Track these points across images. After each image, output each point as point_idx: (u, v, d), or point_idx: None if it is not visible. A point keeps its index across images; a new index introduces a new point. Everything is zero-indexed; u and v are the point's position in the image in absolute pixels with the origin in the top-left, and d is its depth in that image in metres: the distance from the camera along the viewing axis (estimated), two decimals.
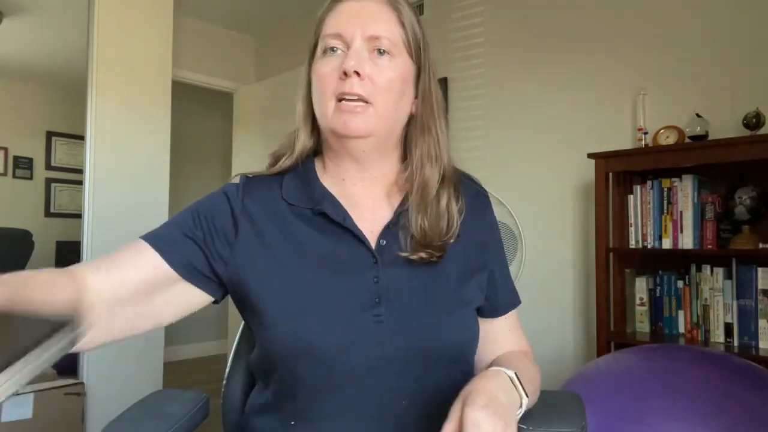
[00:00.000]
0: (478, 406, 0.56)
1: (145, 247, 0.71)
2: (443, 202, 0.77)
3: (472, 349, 0.80)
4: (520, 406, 0.64)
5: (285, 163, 0.80)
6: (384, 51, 0.72)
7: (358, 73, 0.70)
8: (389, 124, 0.74)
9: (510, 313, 0.84)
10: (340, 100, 0.70)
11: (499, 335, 0.83)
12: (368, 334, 0.70)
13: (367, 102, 0.70)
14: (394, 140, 0.79)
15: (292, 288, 0.72)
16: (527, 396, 0.65)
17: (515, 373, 0.65)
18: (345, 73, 0.69)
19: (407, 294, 0.73)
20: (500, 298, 0.83)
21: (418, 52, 0.76)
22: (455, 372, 0.76)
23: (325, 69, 0.72)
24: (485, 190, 0.87)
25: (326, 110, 0.72)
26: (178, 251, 0.72)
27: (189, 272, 0.72)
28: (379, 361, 0.70)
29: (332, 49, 0.73)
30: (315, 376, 0.70)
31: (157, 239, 0.72)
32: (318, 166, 0.81)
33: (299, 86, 0.81)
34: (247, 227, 0.75)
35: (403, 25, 0.74)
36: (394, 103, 0.73)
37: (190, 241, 0.73)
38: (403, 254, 0.74)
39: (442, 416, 0.60)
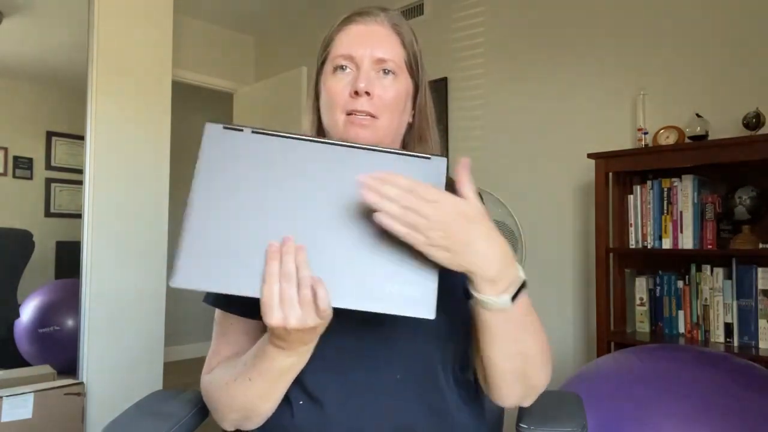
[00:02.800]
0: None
1: (233, 321, 0.83)
2: None
3: (463, 325, 0.82)
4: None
5: None
6: (389, 71, 0.81)
7: (368, 93, 0.79)
8: (392, 135, 0.83)
9: None
10: (349, 114, 0.80)
11: None
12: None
13: (374, 116, 0.80)
14: (396, 148, 0.86)
15: None
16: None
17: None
18: (356, 93, 0.78)
19: None
20: None
21: (417, 70, 0.86)
22: (448, 346, 0.80)
23: (337, 86, 0.81)
24: (480, 195, 0.91)
25: (337, 122, 0.81)
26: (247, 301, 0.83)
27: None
28: (375, 339, 0.77)
29: (342, 68, 0.81)
30: (315, 356, 0.73)
31: (232, 305, 0.83)
32: None
33: (307, 97, 0.90)
34: None
35: (404, 46, 0.84)
36: (398, 117, 0.83)
37: None
38: None
39: (434, 387, 0.74)
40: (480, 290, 0.65)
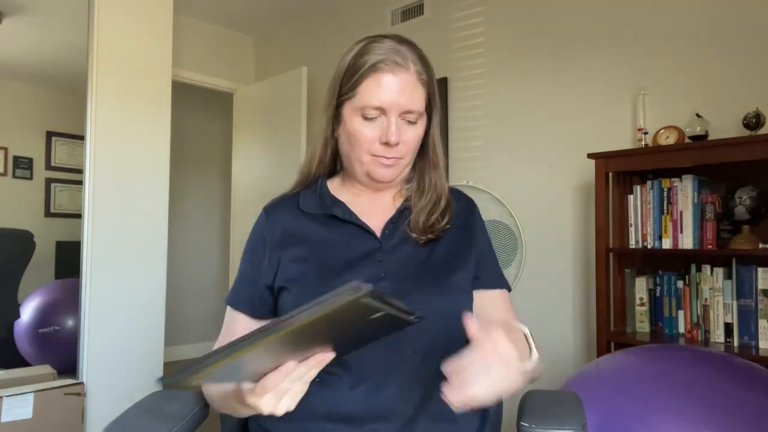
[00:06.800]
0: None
1: (240, 319, 0.93)
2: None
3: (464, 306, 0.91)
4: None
5: (299, 185, 1.00)
6: (413, 121, 0.89)
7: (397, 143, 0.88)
8: (410, 165, 0.95)
9: (499, 291, 0.98)
10: (374, 155, 0.89)
11: (490, 305, 0.95)
12: None
13: (400, 158, 0.90)
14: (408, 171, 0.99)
15: (312, 275, 0.88)
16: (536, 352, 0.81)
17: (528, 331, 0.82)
18: (387, 143, 0.87)
19: (406, 269, 0.89)
20: (485, 273, 0.97)
21: (432, 106, 0.93)
22: (452, 332, 0.85)
23: (366, 132, 0.88)
24: (471, 199, 1.05)
25: (363, 160, 0.90)
26: (263, 303, 0.92)
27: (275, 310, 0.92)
28: None
29: (372, 117, 0.88)
30: None
31: (242, 304, 0.93)
32: (331, 182, 1.00)
33: (319, 129, 0.95)
34: (276, 240, 0.93)
35: (426, 90, 0.90)
36: (415, 152, 0.94)
37: (261, 286, 0.92)
38: (404, 236, 0.93)
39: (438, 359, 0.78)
40: None
